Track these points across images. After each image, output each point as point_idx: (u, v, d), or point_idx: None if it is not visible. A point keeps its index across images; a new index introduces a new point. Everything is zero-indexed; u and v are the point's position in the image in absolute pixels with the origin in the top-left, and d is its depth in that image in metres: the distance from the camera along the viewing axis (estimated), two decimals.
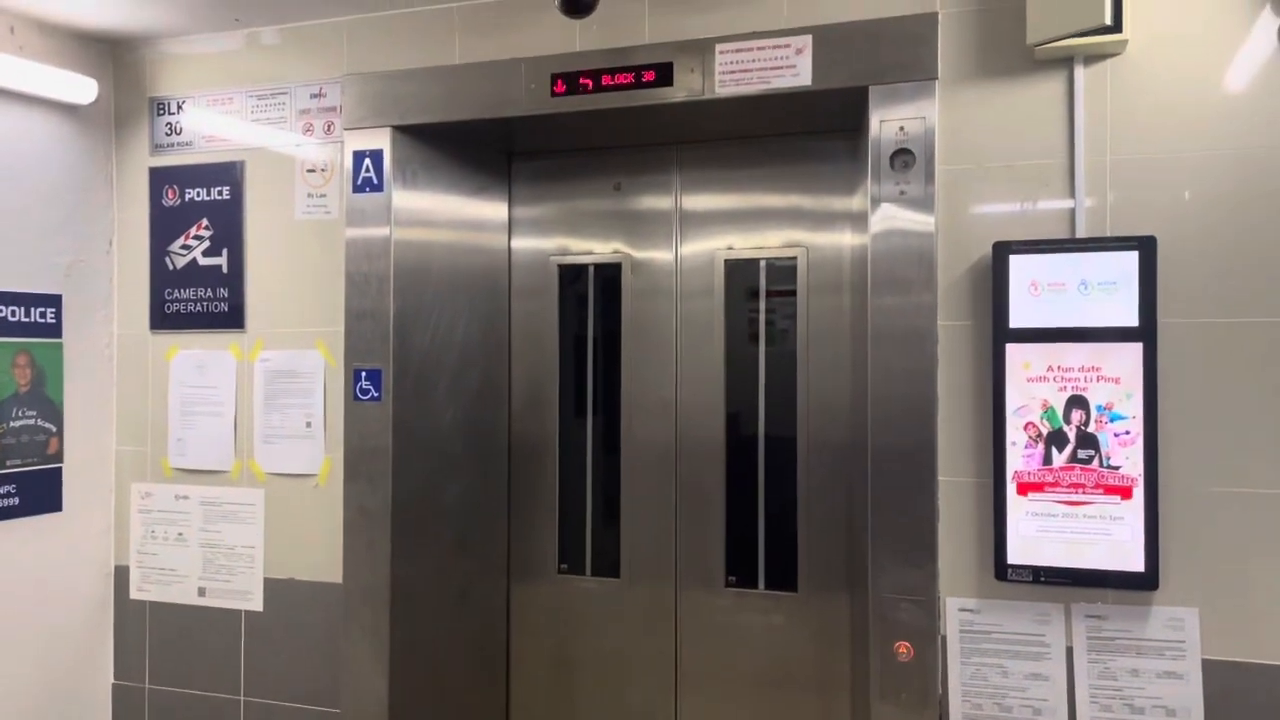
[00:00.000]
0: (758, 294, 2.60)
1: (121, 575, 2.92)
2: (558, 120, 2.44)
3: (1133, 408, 1.99)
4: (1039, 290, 2.05)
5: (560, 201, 2.78)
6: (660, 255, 2.69)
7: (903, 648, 2.11)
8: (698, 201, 2.65)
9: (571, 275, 2.78)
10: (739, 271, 2.61)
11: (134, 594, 2.90)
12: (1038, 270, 2.05)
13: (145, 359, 2.89)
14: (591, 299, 2.76)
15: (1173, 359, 2.01)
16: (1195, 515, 2.00)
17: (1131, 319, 2.00)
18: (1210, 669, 2.00)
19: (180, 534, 2.84)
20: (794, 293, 2.56)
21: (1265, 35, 1.99)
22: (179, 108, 2.85)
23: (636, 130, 2.57)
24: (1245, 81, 2.00)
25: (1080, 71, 2.08)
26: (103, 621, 2.91)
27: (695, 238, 2.65)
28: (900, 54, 2.13)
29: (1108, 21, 1.92)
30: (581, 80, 2.36)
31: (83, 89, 2.76)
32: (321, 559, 2.67)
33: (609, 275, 2.73)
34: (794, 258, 2.56)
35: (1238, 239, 2.00)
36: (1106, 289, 2.02)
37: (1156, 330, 1.99)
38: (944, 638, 2.15)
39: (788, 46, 2.21)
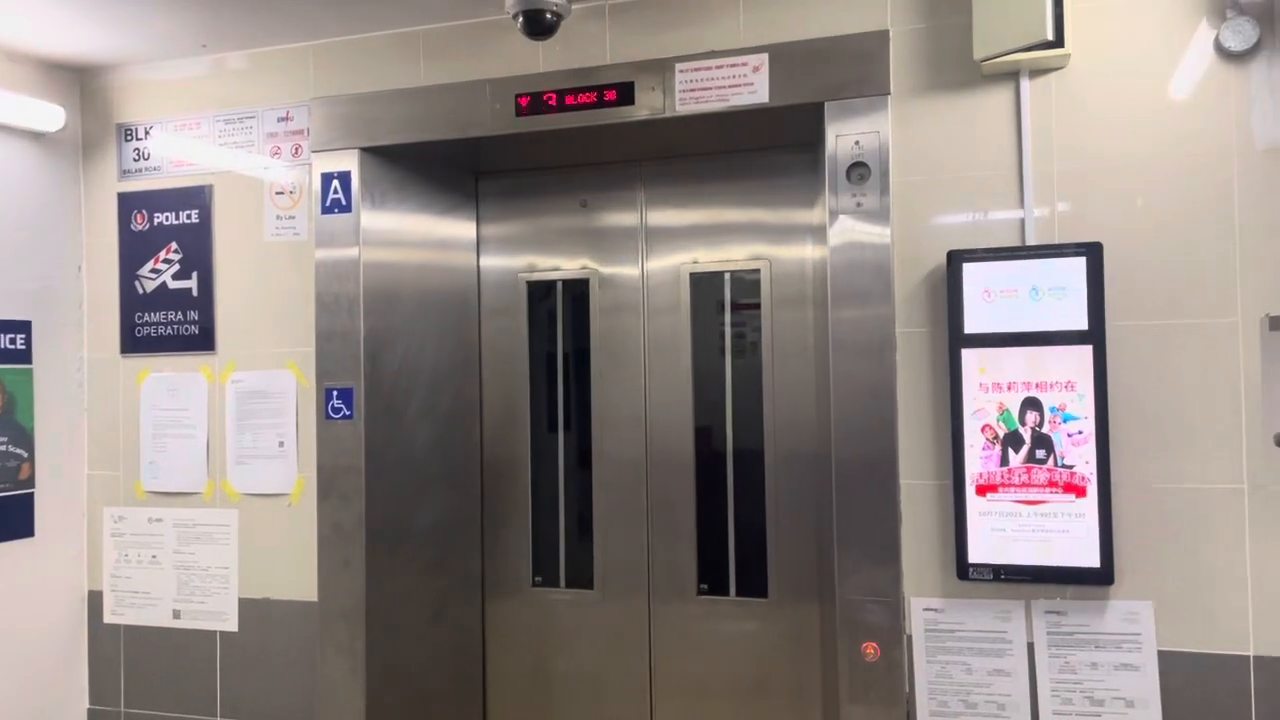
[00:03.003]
0: (723, 306, 2.65)
1: (95, 600, 2.91)
2: (523, 139, 2.48)
3: (1085, 408, 2.05)
4: (992, 297, 2.12)
5: (527, 219, 2.82)
6: (627, 270, 2.73)
7: (870, 648, 2.15)
8: (662, 217, 2.70)
9: (540, 292, 2.81)
10: (704, 284, 2.66)
11: (108, 618, 2.89)
12: (990, 277, 2.11)
13: (116, 383, 2.90)
14: (560, 315, 2.80)
15: (1122, 360, 2.08)
16: (1147, 511, 2.07)
17: (1081, 323, 2.06)
18: (1165, 660, 2.06)
19: (154, 556, 2.84)
20: (758, 305, 2.61)
21: (1203, 46, 2.07)
22: (146, 133, 2.87)
23: (600, 148, 2.62)
24: (1185, 91, 2.08)
25: (1026, 85, 2.15)
26: (77, 647, 2.90)
27: (661, 252, 2.70)
28: (854, 71, 2.20)
29: (1049, 37, 1.99)
30: (545, 100, 2.41)
31: (50, 117, 2.78)
32: (296, 578, 2.68)
33: (577, 291, 2.77)
34: (758, 270, 2.61)
35: (1181, 244, 2.06)
36: (1057, 294, 2.08)
37: (1105, 333, 2.06)
38: (910, 637, 2.20)
39: (745, 65, 2.27)
